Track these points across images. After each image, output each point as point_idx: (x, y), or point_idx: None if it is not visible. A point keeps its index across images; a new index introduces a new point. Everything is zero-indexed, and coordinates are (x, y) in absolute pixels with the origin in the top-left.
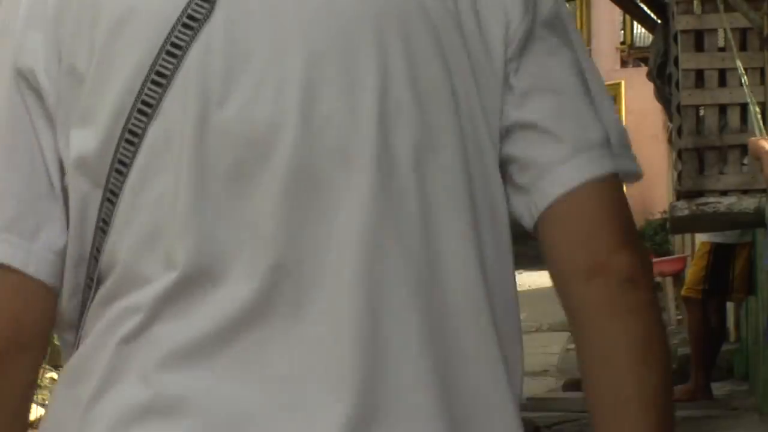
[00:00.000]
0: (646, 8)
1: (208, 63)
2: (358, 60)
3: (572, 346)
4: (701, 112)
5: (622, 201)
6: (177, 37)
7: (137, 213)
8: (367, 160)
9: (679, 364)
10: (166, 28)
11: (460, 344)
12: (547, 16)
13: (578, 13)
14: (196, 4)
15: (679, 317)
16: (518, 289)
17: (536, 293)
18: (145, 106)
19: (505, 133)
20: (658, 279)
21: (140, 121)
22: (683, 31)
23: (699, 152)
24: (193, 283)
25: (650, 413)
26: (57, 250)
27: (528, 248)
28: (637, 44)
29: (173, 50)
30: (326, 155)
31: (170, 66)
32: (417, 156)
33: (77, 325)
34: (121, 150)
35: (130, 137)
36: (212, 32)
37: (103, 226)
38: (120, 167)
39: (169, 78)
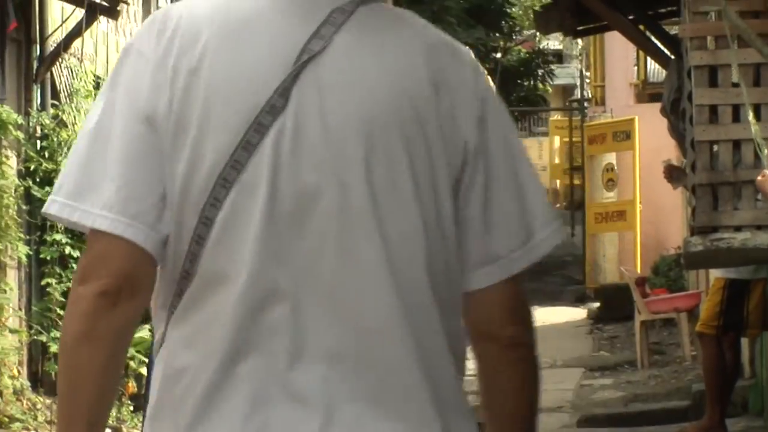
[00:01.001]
0: (659, 44)
1: (280, 142)
2: (377, 155)
3: (586, 382)
4: (715, 148)
5: (519, 289)
6: (263, 118)
7: (226, 237)
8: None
9: (694, 400)
10: (255, 111)
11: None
12: (494, 136)
13: (592, 49)
14: (278, 96)
15: (694, 353)
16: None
17: (550, 329)
18: (236, 163)
19: (457, 215)
20: (673, 315)
21: (230, 174)
22: (697, 67)
23: (713, 188)
24: None
25: (525, 421)
26: (163, 238)
27: (543, 284)
28: (651, 80)
29: (259, 128)
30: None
31: (256, 139)
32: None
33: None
34: (215, 191)
35: (224, 182)
36: (285, 121)
37: (199, 240)
38: (215, 202)
39: (255, 147)
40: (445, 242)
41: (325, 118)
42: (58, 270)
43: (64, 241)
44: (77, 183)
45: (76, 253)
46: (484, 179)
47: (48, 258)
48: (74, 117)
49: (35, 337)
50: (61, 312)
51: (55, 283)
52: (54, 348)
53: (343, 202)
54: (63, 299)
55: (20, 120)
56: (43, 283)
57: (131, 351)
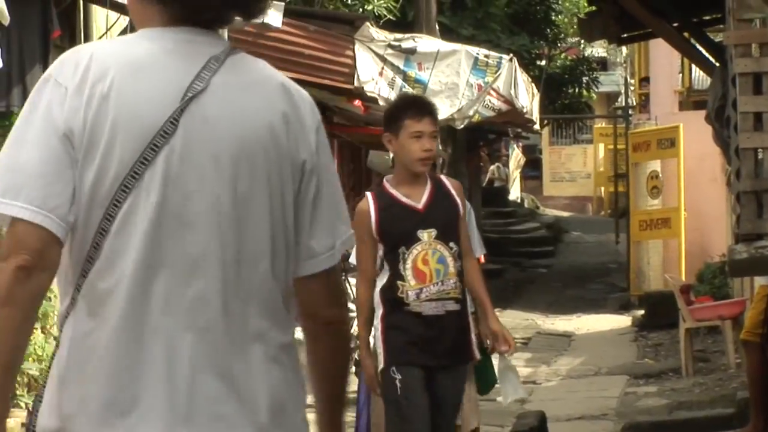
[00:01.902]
0: (704, 51)
1: (170, 159)
2: (243, 172)
3: (631, 389)
4: (760, 155)
5: (335, 279)
6: (157, 140)
7: (124, 229)
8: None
9: (738, 408)
10: (152, 134)
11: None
12: (322, 161)
13: (637, 57)
14: (169, 123)
15: (738, 361)
16: (576, 332)
17: (594, 336)
18: (135, 174)
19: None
20: (718, 323)
21: (130, 182)
22: (741, 74)
23: (758, 195)
24: None
25: (339, 381)
26: (69, 227)
27: (587, 292)
28: (696, 87)
29: (154, 147)
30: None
31: (151, 156)
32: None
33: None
34: (118, 194)
35: (124, 188)
36: (174, 143)
37: (102, 232)
38: (117, 203)
39: (150, 161)
40: (287, 238)
41: (205, 142)
42: None
43: None
44: (5, 184)
45: None
46: (314, 193)
47: None
48: None
49: None
50: None
51: None
52: None
53: (215, 207)
54: None
55: None
56: None
57: None
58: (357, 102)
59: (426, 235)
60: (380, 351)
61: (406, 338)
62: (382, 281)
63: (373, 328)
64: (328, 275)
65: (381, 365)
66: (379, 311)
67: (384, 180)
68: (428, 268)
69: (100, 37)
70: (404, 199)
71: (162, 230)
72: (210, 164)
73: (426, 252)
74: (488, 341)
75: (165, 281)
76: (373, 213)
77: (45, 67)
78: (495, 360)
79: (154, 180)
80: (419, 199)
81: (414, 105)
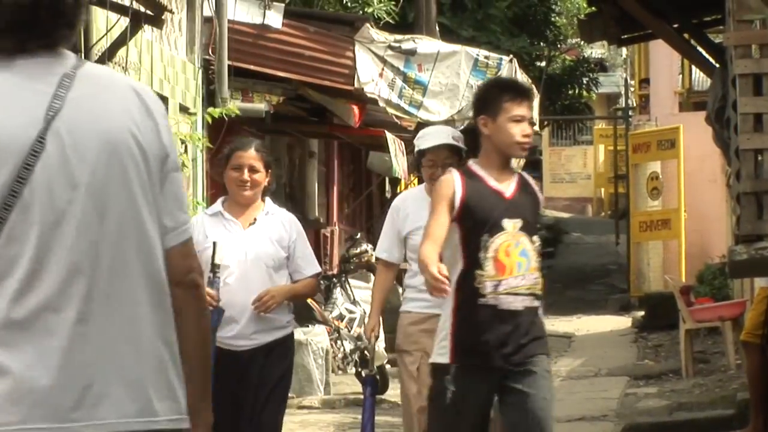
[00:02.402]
0: (704, 52)
1: (45, 173)
2: (113, 172)
3: (631, 390)
4: (760, 156)
5: (189, 250)
6: (29, 159)
7: (11, 239)
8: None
9: (738, 409)
10: (23, 154)
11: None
12: (173, 154)
13: (637, 58)
14: (37, 142)
15: (739, 362)
16: (576, 333)
17: (594, 337)
18: (15, 192)
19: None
20: (718, 324)
21: (10, 200)
22: (742, 75)
23: (758, 196)
24: None
25: (206, 343)
26: None
27: (586, 293)
28: (696, 89)
29: (28, 166)
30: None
31: (26, 174)
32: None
33: None
34: (0, 212)
35: (6, 206)
36: (47, 158)
37: None
38: (1, 221)
39: (26, 179)
40: (153, 220)
41: (74, 152)
42: None
43: None
44: None
45: None
46: (168, 181)
47: None
48: None
49: None
50: None
51: None
52: None
53: (89, 206)
54: None
55: None
56: None
57: None
58: (354, 107)
59: (511, 225)
60: (448, 345)
61: (478, 337)
62: (455, 271)
63: (442, 319)
64: (184, 246)
65: (444, 360)
66: (450, 303)
67: (469, 162)
68: (510, 261)
69: (100, 39)
70: (493, 183)
71: (46, 237)
72: (83, 171)
73: (510, 243)
74: None
75: (50, 281)
76: (460, 188)
77: None
78: None
79: (33, 194)
80: (507, 186)
81: (514, 88)
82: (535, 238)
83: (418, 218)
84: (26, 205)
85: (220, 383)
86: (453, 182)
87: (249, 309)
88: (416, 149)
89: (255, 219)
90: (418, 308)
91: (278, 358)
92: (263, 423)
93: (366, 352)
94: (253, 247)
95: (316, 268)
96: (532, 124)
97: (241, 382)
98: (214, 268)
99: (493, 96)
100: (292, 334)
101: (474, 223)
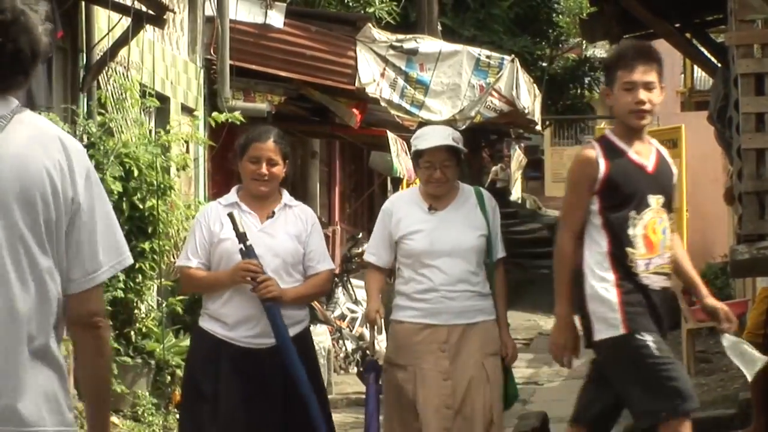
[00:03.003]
0: (706, 52)
1: None
2: (27, 208)
3: None
4: (762, 156)
5: (96, 295)
6: None
7: None
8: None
9: (740, 409)
10: None
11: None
12: (88, 201)
13: None
14: None
15: None
16: (579, 333)
17: None
18: None
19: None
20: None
21: None
22: (743, 75)
23: (759, 196)
24: None
25: (105, 378)
26: None
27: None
28: (698, 88)
29: None
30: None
31: None
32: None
33: None
34: None
35: None
36: None
37: None
38: None
39: None
40: (60, 261)
41: None
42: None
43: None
44: None
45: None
46: (78, 226)
47: None
48: (120, 125)
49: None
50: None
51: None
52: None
53: (10, 245)
54: (106, 306)
55: (66, 128)
56: None
57: (177, 360)
58: (355, 110)
59: (655, 201)
60: (617, 317)
61: (644, 307)
62: (600, 246)
63: (589, 293)
64: (93, 291)
65: (615, 332)
66: (610, 276)
67: (606, 132)
68: (656, 238)
69: (102, 38)
70: (635, 157)
71: None
72: (1, 204)
73: (655, 220)
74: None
75: None
76: (603, 163)
77: (50, 67)
78: None
79: None
80: (647, 159)
81: (627, 54)
82: (671, 215)
83: (410, 222)
84: None
85: (241, 383)
86: (593, 160)
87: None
88: (413, 149)
89: (273, 212)
90: (410, 318)
91: (302, 352)
92: (313, 418)
93: (368, 351)
94: (271, 243)
95: (330, 265)
96: (651, 88)
97: (265, 382)
98: (242, 238)
99: (610, 65)
100: (308, 328)
101: (619, 198)
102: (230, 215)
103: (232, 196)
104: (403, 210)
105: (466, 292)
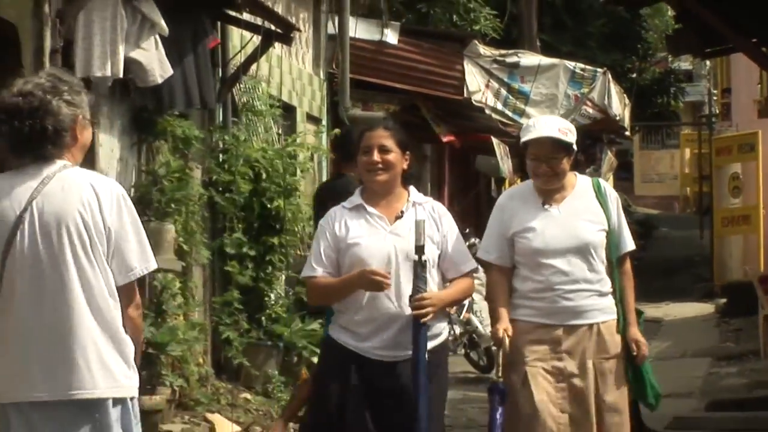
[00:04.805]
0: None
1: (24, 236)
2: (70, 238)
3: (714, 370)
4: None
5: (132, 291)
6: (13, 230)
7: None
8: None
9: None
10: (11, 226)
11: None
12: (116, 226)
13: (719, 70)
14: (19, 218)
15: None
16: (664, 318)
17: (680, 323)
18: (6, 250)
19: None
20: None
21: (5, 255)
22: None
23: None
24: None
25: (135, 339)
26: None
27: (673, 282)
28: None
29: (14, 232)
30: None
31: (12, 238)
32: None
33: None
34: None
35: (3, 257)
36: (24, 226)
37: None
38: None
39: (13, 242)
40: (104, 267)
41: (41, 224)
42: (236, 264)
43: (243, 240)
44: None
45: (252, 252)
46: (114, 244)
47: (230, 253)
48: (251, 133)
49: (218, 327)
50: (239, 306)
51: (236, 274)
52: (228, 332)
53: (54, 261)
54: (239, 295)
55: (201, 135)
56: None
57: (303, 342)
58: (453, 138)
59: None
60: None
61: None
62: None
63: None
64: (126, 288)
65: None
66: None
67: None
68: None
69: (236, 54)
70: None
71: (30, 282)
72: (46, 235)
73: None
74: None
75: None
76: None
77: (200, 73)
78: None
79: (20, 248)
80: None
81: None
82: None
83: (524, 219)
84: (16, 255)
85: (370, 395)
86: None
87: (401, 316)
88: (521, 141)
89: (401, 212)
90: (524, 316)
91: (433, 371)
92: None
93: (474, 335)
94: (402, 245)
95: (473, 264)
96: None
97: (391, 395)
98: (419, 250)
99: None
100: (445, 343)
101: None
102: (418, 223)
103: (356, 198)
104: (517, 206)
105: (584, 291)
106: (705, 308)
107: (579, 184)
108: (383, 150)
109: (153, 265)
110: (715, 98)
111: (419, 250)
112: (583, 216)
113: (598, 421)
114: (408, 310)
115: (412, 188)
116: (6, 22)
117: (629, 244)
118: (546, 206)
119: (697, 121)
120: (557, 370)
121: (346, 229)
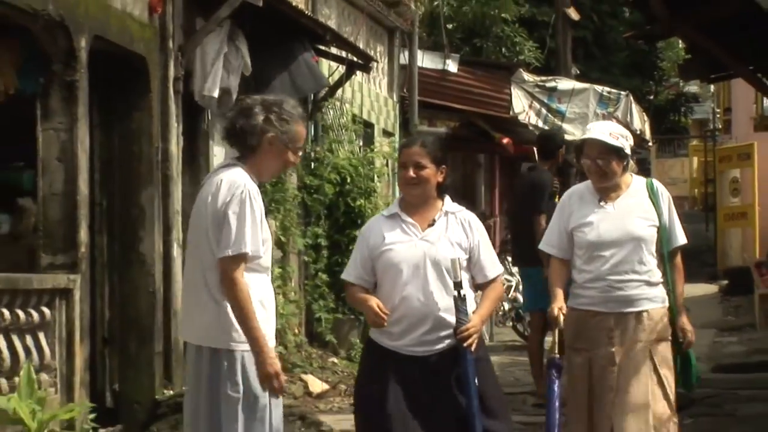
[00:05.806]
0: None
1: (192, 214)
2: (206, 224)
3: (718, 339)
4: None
5: (225, 267)
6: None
7: None
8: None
9: None
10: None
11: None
12: (225, 210)
13: (722, 92)
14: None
15: None
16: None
17: (689, 300)
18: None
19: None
20: None
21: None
22: None
23: None
24: None
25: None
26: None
27: (683, 267)
28: (767, 114)
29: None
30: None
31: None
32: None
33: None
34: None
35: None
36: (193, 208)
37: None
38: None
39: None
40: (214, 244)
41: (196, 207)
42: (320, 254)
43: (320, 233)
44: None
45: (325, 243)
46: (220, 224)
47: (314, 244)
48: (337, 146)
49: (310, 303)
50: (325, 288)
51: (321, 265)
52: (320, 312)
53: (198, 239)
54: (325, 277)
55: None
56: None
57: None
58: (506, 140)
59: None
60: None
61: None
62: None
63: None
64: (222, 262)
65: None
66: None
67: None
68: None
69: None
70: None
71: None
72: (197, 215)
73: None
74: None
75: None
76: None
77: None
78: None
79: (190, 229)
80: None
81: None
82: None
83: (582, 215)
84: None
85: (407, 390)
86: None
87: (430, 317)
88: (579, 139)
89: (434, 220)
90: (581, 305)
91: (478, 363)
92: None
93: (520, 310)
94: (432, 251)
95: (499, 268)
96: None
97: (431, 388)
98: (457, 286)
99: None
100: (485, 349)
101: None
102: (453, 261)
103: (394, 207)
104: (576, 203)
105: (634, 281)
106: (710, 288)
107: (634, 184)
108: (418, 166)
109: (244, 248)
110: (718, 116)
111: (457, 285)
112: (635, 212)
113: (647, 404)
114: (435, 311)
115: (447, 198)
116: (137, 56)
117: (680, 239)
118: (602, 203)
119: (703, 134)
120: (610, 356)
121: (382, 236)
